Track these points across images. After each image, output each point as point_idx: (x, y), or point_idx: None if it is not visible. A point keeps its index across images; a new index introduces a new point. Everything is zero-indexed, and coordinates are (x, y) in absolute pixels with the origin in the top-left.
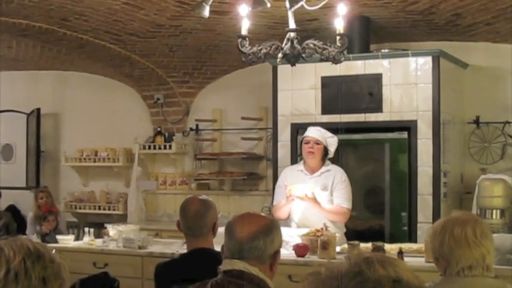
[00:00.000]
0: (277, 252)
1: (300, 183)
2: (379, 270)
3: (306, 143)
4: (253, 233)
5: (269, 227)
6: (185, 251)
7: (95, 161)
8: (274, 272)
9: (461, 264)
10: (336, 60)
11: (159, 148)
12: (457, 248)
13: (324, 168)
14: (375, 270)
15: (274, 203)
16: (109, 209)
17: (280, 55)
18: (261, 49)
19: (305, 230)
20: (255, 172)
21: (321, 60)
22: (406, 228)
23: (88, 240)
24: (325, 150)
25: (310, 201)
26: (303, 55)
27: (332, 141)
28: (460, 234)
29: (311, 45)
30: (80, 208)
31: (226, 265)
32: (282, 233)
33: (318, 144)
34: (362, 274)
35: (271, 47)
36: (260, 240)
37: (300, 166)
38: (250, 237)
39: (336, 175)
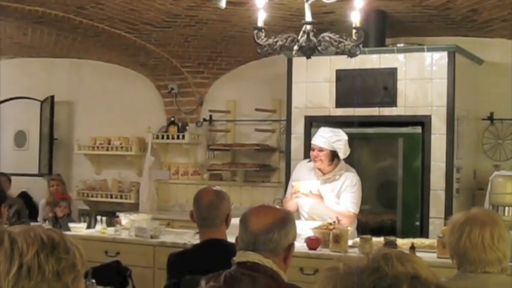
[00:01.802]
0: (292, 245)
1: (307, 180)
2: (397, 267)
3: (311, 150)
4: (268, 225)
5: (284, 220)
6: (197, 241)
7: (107, 150)
8: (287, 265)
9: (474, 265)
10: (351, 54)
11: (172, 138)
12: (472, 251)
13: (336, 171)
14: (393, 266)
15: (285, 196)
16: (121, 198)
17: (296, 47)
18: (277, 41)
19: (317, 223)
20: (267, 164)
21: (336, 54)
22: (418, 223)
23: (100, 229)
24: (333, 154)
25: (315, 198)
26: (319, 48)
27: (339, 145)
28: (476, 237)
29: (327, 38)
30: (92, 196)
31: (240, 257)
32: (296, 226)
33: (322, 151)
34: (380, 270)
35: (287, 39)
36: (275, 232)
37: (312, 164)
38: (265, 230)
39: (346, 179)
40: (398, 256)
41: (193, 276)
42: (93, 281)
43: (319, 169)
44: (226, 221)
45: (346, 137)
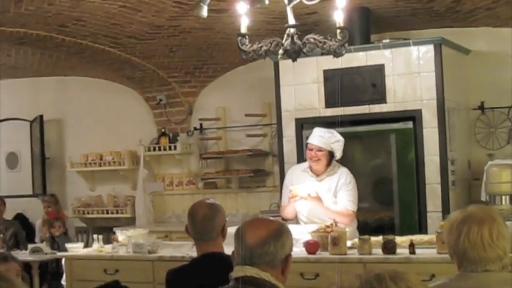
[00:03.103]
0: (289, 256)
1: (303, 184)
2: (391, 286)
3: (309, 150)
4: (263, 238)
5: (279, 232)
6: (195, 253)
7: (100, 165)
8: (286, 277)
9: (475, 264)
10: (337, 54)
11: (164, 149)
12: (472, 250)
13: (329, 171)
14: (386, 286)
15: (282, 203)
16: (117, 213)
17: (280, 51)
18: (261, 46)
19: (315, 227)
20: (261, 169)
21: (322, 54)
22: (416, 218)
23: (97, 247)
24: (330, 155)
25: (314, 201)
26: (304, 50)
27: (337, 146)
28: (475, 236)
29: (311, 40)
30: (88, 213)
31: (237, 272)
32: (292, 237)
33: (320, 151)
34: None
35: (271, 43)
36: (271, 245)
37: (306, 166)
38: (260, 243)
39: (341, 177)
40: (392, 276)
41: None
42: None
43: (315, 170)
44: (223, 233)
45: (342, 138)
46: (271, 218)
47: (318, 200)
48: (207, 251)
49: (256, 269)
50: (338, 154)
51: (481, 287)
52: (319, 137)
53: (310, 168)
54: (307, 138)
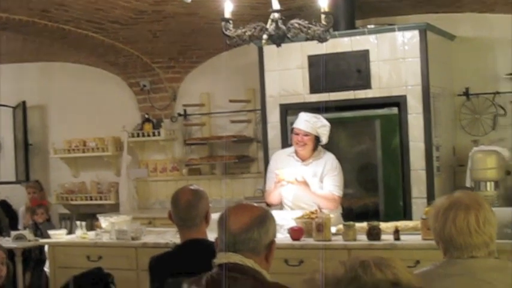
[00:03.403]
0: (272, 242)
1: (287, 168)
2: (376, 274)
3: (295, 134)
4: (247, 224)
5: (262, 218)
6: (179, 240)
7: (83, 152)
8: (270, 263)
9: (461, 251)
10: (321, 39)
11: (148, 135)
12: (458, 236)
13: (315, 156)
14: (372, 274)
15: (266, 189)
16: (101, 199)
17: (265, 36)
18: (246, 31)
19: (299, 213)
20: (245, 155)
21: (307, 40)
22: (401, 204)
23: (80, 234)
24: (316, 139)
25: (301, 185)
26: (288, 35)
27: (323, 131)
28: (462, 222)
29: (296, 25)
30: (72, 200)
31: (221, 258)
32: (275, 223)
33: (307, 136)
34: (359, 279)
35: (255, 28)
36: (254, 231)
37: (291, 151)
38: (244, 229)
39: (327, 162)
40: (377, 263)
41: (176, 278)
42: None
43: (301, 154)
44: (206, 220)
45: (328, 123)
46: (255, 204)
47: (305, 184)
48: (190, 237)
49: (239, 255)
50: (324, 139)
51: (467, 273)
52: (306, 122)
53: (296, 153)
54: (291, 124)
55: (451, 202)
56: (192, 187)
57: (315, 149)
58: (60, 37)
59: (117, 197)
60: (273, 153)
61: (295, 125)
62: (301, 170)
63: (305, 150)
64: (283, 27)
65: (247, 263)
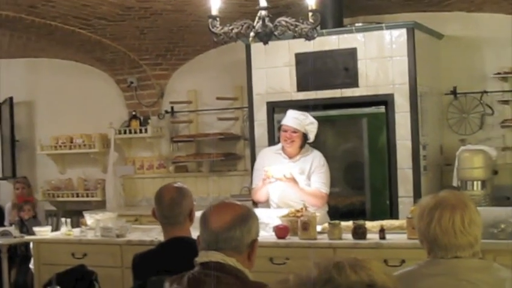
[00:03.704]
0: (255, 241)
1: (276, 165)
2: (350, 276)
3: (283, 131)
4: (229, 222)
5: (245, 216)
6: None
7: (70, 148)
8: (252, 262)
9: (445, 251)
10: (309, 37)
11: (135, 132)
12: (443, 236)
13: (303, 153)
14: (346, 275)
15: (253, 186)
16: (87, 196)
17: (252, 34)
18: (232, 29)
19: (285, 211)
20: (232, 152)
21: (294, 37)
22: (387, 203)
23: (65, 231)
24: (304, 137)
25: (289, 182)
26: (275, 33)
27: (311, 128)
28: (447, 222)
29: (283, 23)
30: (58, 196)
31: (202, 257)
32: (258, 222)
33: (295, 132)
34: (333, 281)
35: (242, 26)
36: (236, 230)
37: (278, 148)
38: (226, 227)
39: (314, 159)
40: (352, 264)
41: (159, 276)
42: (58, 287)
43: (289, 152)
44: (190, 217)
45: (316, 121)
46: (238, 202)
47: (293, 181)
48: (174, 235)
49: (221, 254)
50: (312, 136)
51: (450, 273)
52: (294, 119)
53: (283, 150)
54: (278, 122)
55: (437, 201)
56: (176, 184)
57: (302, 146)
58: (48, 33)
59: (103, 194)
60: (260, 151)
61: (283, 122)
62: (288, 167)
63: (293, 147)
64: (270, 24)
65: (229, 262)
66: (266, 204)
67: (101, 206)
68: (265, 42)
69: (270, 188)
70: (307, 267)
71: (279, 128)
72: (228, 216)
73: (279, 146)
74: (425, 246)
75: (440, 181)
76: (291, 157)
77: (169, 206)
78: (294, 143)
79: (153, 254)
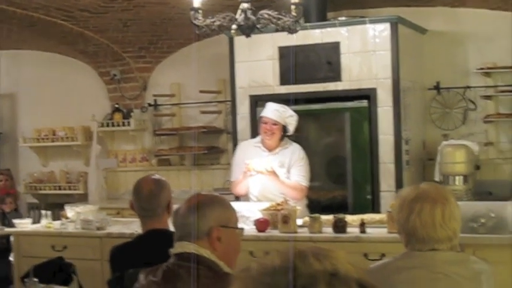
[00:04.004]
0: (213, 229)
1: (256, 159)
2: (313, 264)
3: (263, 123)
4: (187, 209)
5: (203, 204)
6: None
7: (53, 141)
8: (229, 255)
9: (423, 243)
10: (291, 30)
11: (118, 125)
12: (422, 229)
13: (282, 146)
14: (309, 264)
15: (232, 179)
16: (69, 189)
17: (234, 27)
18: (215, 21)
19: (265, 205)
20: (215, 146)
21: (276, 31)
22: (369, 197)
23: (46, 223)
24: (284, 129)
25: (270, 175)
26: (258, 26)
27: (291, 120)
28: (427, 215)
29: (265, 16)
30: (41, 189)
31: (177, 248)
32: (223, 210)
33: (275, 125)
34: (295, 269)
35: (224, 18)
36: (190, 216)
37: (257, 141)
38: (183, 215)
39: (293, 153)
40: (315, 253)
41: (137, 269)
42: (35, 279)
43: (268, 144)
44: (168, 210)
45: (296, 114)
46: (210, 194)
47: (274, 174)
48: (152, 227)
49: (195, 245)
50: (291, 129)
51: (426, 266)
52: (275, 111)
53: (263, 142)
54: (259, 118)
55: (418, 194)
56: (154, 177)
57: (282, 138)
58: (29, 24)
59: (86, 186)
60: (238, 145)
61: (263, 114)
62: (268, 159)
63: (273, 139)
64: (253, 17)
65: (203, 253)
66: (245, 197)
67: (83, 199)
68: (248, 35)
69: (250, 182)
70: (271, 255)
71: (260, 120)
72: (190, 205)
73: (258, 139)
74: (403, 238)
75: (422, 176)
76: (270, 150)
77: (147, 198)
78: (274, 135)
79: (131, 247)
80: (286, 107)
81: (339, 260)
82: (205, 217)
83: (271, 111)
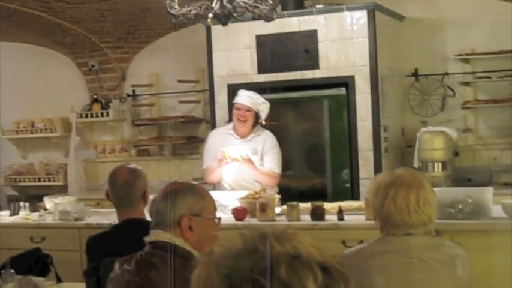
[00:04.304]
0: (184, 217)
1: (230, 146)
2: (275, 247)
3: (236, 110)
4: (159, 198)
5: (175, 192)
6: None
7: (32, 133)
8: (203, 244)
9: (398, 228)
10: (268, 18)
11: (96, 116)
12: (396, 214)
13: (254, 133)
14: (271, 246)
15: (204, 167)
16: (49, 181)
17: (210, 15)
18: (191, 10)
19: (243, 193)
20: (194, 135)
21: (253, 19)
22: (348, 185)
23: (24, 215)
24: (257, 116)
25: (246, 163)
26: (234, 14)
27: (263, 108)
28: (401, 201)
29: (242, 4)
30: (20, 181)
31: (151, 236)
32: (196, 199)
33: (248, 111)
34: (257, 251)
35: (201, 7)
36: (161, 204)
37: (229, 128)
38: (154, 202)
39: (266, 140)
40: (277, 235)
41: (113, 258)
42: (12, 271)
43: (240, 131)
44: (144, 199)
45: (268, 102)
46: (185, 182)
47: (250, 162)
48: (128, 217)
49: (169, 234)
50: (263, 115)
51: (401, 251)
52: (248, 97)
53: (235, 130)
54: (232, 105)
55: (393, 179)
56: (129, 166)
57: (254, 125)
58: (6, 16)
59: (65, 178)
60: (210, 132)
61: (237, 100)
62: (241, 146)
63: (245, 126)
64: (229, 6)
65: (177, 242)
66: (218, 185)
67: (62, 190)
68: (224, 24)
69: (224, 169)
70: (233, 239)
71: (233, 106)
72: (165, 193)
73: (230, 126)
74: (378, 223)
75: (401, 163)
76: (242, 137)
77: (123, 188)
78: (247, 122)
79: (107, 237)
80: (258, 94)
81: (301, 243)
82: (177, 205)
83: (245, 97)
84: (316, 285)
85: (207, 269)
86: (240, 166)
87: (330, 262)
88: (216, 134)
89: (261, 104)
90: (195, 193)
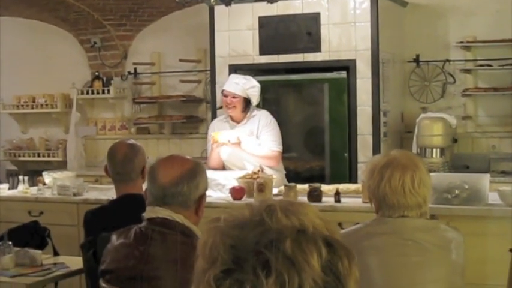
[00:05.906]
0: (203, 196)
1: (224, 131)
2: (281, 220)
3: (224, 96)
4: (177, 177)
5: (193, 171)
6: None
7: (32, 108)
8: (200, 217)
9: (393, 210)
10: (271, 0)
11: (97, 93)
12: (392, 196)
13: (248, 117)
14: (277, 219)
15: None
16: (48, 156)
17: None
18: None
19: (241, 173)
20: (194, 115)
21: (257, 0)
22: (346, 168)
23: (22, 189)
24: (246, 101)
25: (234, 146)
26: None
27: (253, 92)
28: (397, 182)
29: None
30: (20, 156)
31: (149, 213)
32: (206, 177)
33: (235, 98)
34: (263, 224)
35: None
36: (184, 185)
37: (226, 116)
38: (174, 183)
39: (261, 118)
40: (284, 208)
41: (110, 233)
42: (10, 243)
43: (232, 117)
44: (142, 175)
45: (258, 84)
46: (186, 157)
47: (238, 145)
48: (126, 192)
49: (168, 210)
50: (255, 100)
51: (396, 232)
52: (235, 84)
53: (231, 117)
54: (222, 91)
55: (388, 161)
56: (129, 141)
57: (244, 110)
58: None
59: (65, 154)
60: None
61: (224, 87)
62: (238, 131)
63: (234, 112)
64: None
65: (177, 219)
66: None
67: (62, 166)
68: (227, 4)
69: (221, 153)
70: (241, 208)
71: (222, 93)
72: (176, 171)
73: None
74: (374, 205)
75: (400, 148)
76: (238, 122)
77: (122, 162)
78: (235, 108)
79: (104, 211)
80: (249, 78)
81: (307, 216)
82: (198, 186)
83: (231, 84)
84: (320, 260)
85: (213, 238)
86: (232, 150)
87: (335, 237)
88: (214, 123)
89: (249, 89)
90: (202, 169)
